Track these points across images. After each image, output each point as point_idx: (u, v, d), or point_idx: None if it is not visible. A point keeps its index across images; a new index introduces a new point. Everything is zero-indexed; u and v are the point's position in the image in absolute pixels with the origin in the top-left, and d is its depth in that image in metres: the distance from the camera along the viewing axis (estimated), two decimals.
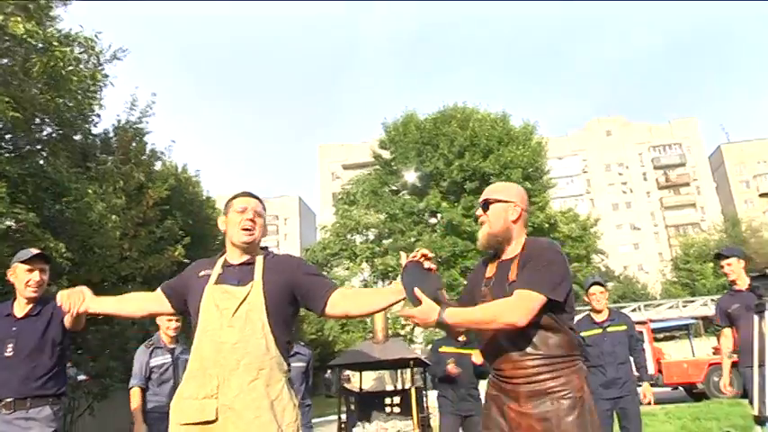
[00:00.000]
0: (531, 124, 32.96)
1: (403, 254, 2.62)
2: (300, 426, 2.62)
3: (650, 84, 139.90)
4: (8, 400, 3.43)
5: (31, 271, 3.65)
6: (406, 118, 33.44)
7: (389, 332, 23.30)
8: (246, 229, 2.72)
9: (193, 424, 2.45)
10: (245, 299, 2.58)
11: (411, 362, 4.18)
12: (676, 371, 17.28)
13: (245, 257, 2.74)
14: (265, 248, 2.91)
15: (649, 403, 6.02)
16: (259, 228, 2.76)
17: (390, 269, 32.42)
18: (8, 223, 11.79)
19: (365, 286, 33.58)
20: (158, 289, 2.96)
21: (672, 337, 25.18)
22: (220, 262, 2.77)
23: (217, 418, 2.44)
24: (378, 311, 2.78)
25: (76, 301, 2.89)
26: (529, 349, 2.54)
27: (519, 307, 2.45)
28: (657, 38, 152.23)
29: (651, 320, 21.75)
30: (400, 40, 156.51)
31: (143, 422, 4.97)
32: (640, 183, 70.76)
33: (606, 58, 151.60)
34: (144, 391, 5.13)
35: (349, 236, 33.30)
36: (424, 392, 4.46)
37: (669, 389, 18.12)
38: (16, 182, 12.21)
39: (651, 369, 18.26)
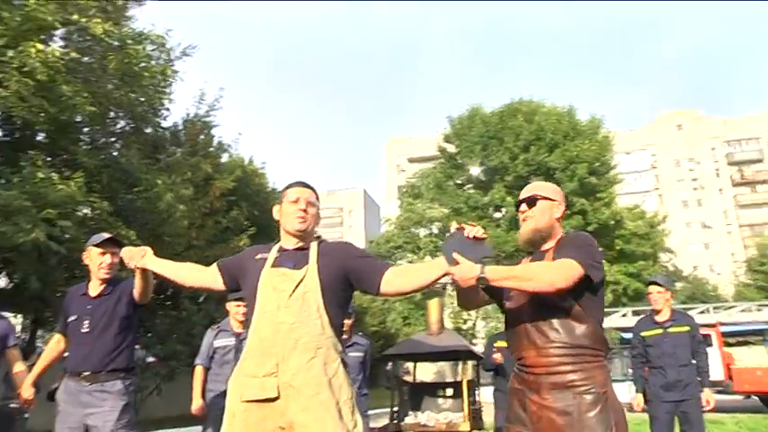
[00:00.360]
0: (599, 118, 32.36)
1: (454, 223, 2.67)
2: (356, 405, 2.70)
3: (726, 75, 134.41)
4: (86, 373, 3.70)
5: (103, 254, 3.88)
6: (471, 112, 33.32)
7: (452, 326, 23.15)
8: (299, 218, 2.83)
9: (255, 401, 2.58)
10: (301, 281, 2.68)
11: (463, 354, 4.27)
12: (749, 378, 16.46)
13: (300, 244, 2.85)
14: (318, 237, 3.02)
15: (712, 410, 5.83)
16: (311, 216, 2.87)
17: None
18: (85, 211, 12.47)
19: None
20: (214, 265, 3.06)
21: (745, 343, 24.26)
22: (276, 248, 2.89)
23: (278, 396, 2.56)
24: (430, 284, 2.77)
25: (138, 255, 3.10)
26: (553, 335, 2.55)
27: (560, 271, 2.47)
28: (734, 26, 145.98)
29: (721, 323, 20.91)
30: (469, 33, 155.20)
31: (201, 398, 5.26)
32: (713, 179, 67.61)
33: (679, 48, 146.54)
34: (206, 370, 5.42)
35: (413, 229, 33.38)
36: (476, 386, 4.54)
37: (741, 397, 17.26)
38: (92, 172, 12.86)
39: (721, 375, 17.61)
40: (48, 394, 4.23)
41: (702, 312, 25.63)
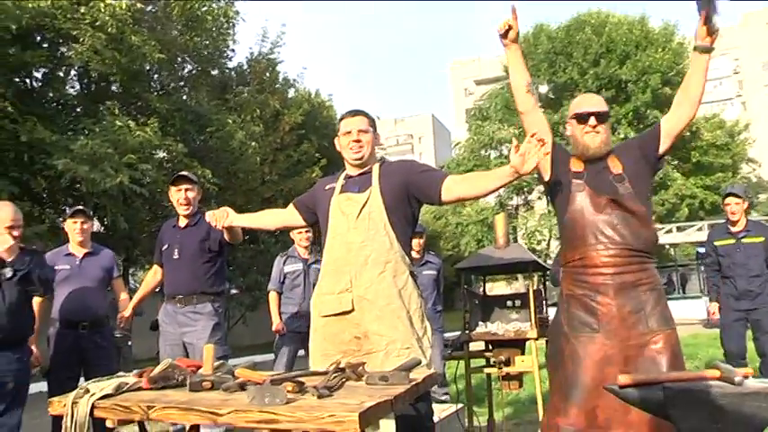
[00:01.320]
0: (672, 25, 30.78)
1: None
2: (425, 313, 2.90)
3: None
4: (180, 296, 4.12)
5: (179, 191, 4.24)
6: (536, 29, 32.30)
7: (526, 247, 23.07)
8: (355, 149, 2.98)
9: (334, 315, 2.83)
10: (365, 203, 2.86)
11: (529, 265, 4.41)
12: None
13: (363, 169, 3.01)
14: (382, 158, 3.20)
15: None
16: (367, 143, 3.00)
17: (525, 184, 32.09)
18: (162, 154, 13.04)
19: (500, 202, 33.61)
20: (291, 204, 3.33)
21: None
22: (342, 176, 3.07)
23: (353, 309, 2.79)
24: (490, 192, 2.94)
25: (221, 217, 3.28)
26: (623, 236, 2.63)
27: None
28: None
29: None
30: None
31: (279, 320, 5.68)
32: None
33: None
34: (279, 294, 5.82)
35: (483, 152, 32.97)
36: (543, 296, 4.67)
37: None
38: (165, 117, 13.36)
39: None
40: (151, 324, 4.67)
41: None
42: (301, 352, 5.74)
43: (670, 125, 2.84)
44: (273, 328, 5.69)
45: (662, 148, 2.81)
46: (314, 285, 5.66)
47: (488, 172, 2.94)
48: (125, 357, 9.75)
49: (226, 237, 3.91)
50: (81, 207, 4.76)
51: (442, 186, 2.87)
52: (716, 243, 5.74)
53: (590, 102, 2.87)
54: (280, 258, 5.94)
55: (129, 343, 10.11)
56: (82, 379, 4.24)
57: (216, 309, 4.15)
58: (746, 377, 1.93)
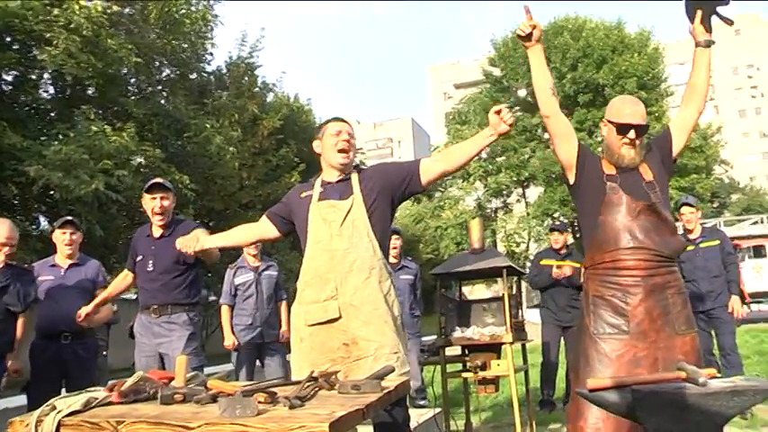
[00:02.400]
0: (648, 30, 31.16)
1: None
2: (403, 320, 2.94)
3: None
4: (154, 306, 4.07)
5: (153, 198, 4.15)
6: (514, 33, 32.49)
7: (504, 250, 23.11)
8: (343, 151, 2.99)
9: (320, 324, 2.83)
10: (349, 210, 2.88)
11: (504, 270, 4.42)
12: None
13: (342, 175, 3.01)
14: (357, 166, 3.20)
15: (740, 317, 6.05)
16: (354, 147, 3.06)
17: (504, 187, 32.25)
18: (139, 160, 12.92)
19: (479, 205, 33.72)
20: (263, 216, 3.28)
21: None
22: (318, 182, 3.06)
23: (340, 316, 2.80)
24: (472, 158, 2.99)
25: (191, 243, 3.27)
26: (655, 241, 2.69)
27: None
28: None
29: None
30: None
31: (232, 334, 5.57)
32: None
33: None
34: (231, 308, 5.69)
35: None
36: (518, 300, 4.70)
37: None
38: (142, 122, 13.25)
39: None
40: (129, 331, 4.61)
41: (755, 223, 25.08)
42: (258, 363, 5.71)
43: (682, 122, 2.97)
44: (225, 344, 5.58)
45: (675, 150, 2.93)
46: (266, 293, 5.65)
47: (466, 141, 2.98)
48: (100, 368, 9.65)
49: (203, 257, 3.90)
50: (70, 218, 4.70)
51: (419, 171, 2.93)
52: None
53: (632, 113, 2.83)
54: (230, 270, 5.79)
55: (105, 353, 10.01)
56: (63, 392, 4.21)
57: (191, 318, 4.11)
58: (711, 378, 1.98)
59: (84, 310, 4.23)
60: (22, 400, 4.56)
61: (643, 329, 2.63)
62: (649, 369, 2.54)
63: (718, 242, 5.96)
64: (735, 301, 5.82)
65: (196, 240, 3.25)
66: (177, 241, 3.31)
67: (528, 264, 32.29)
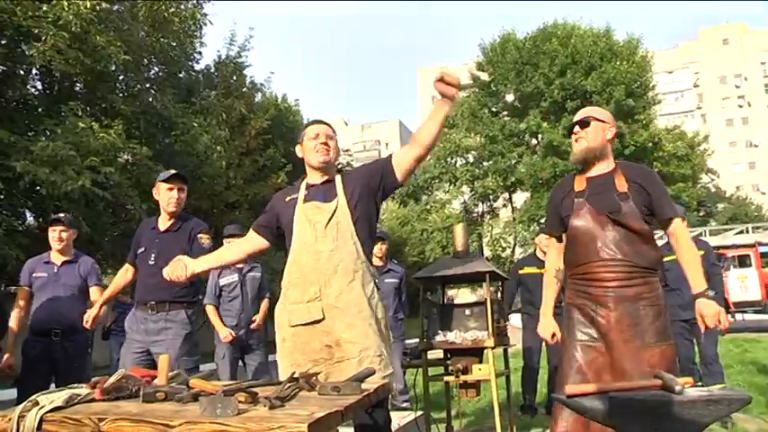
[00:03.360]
0: (636, 38, 31.37)
1: None
2: (387, 322, 2.92)
3: None
4: (152, 302, 3.94)
5: (170, 189, 4.06)
6: (503, 38, 32.61)
7: (490, 254, 23.10)
8: (322, 151, 3.00)
9: (303, 324, 2.82)
10: (334, 212, 2.88)
11: (487, 274, 4.44)
12: None
13: (325, 177, 3.03)
14: (340, 169, 3.19)
15: (724, 328, 6.09)
16: (332, 149, 3.04)
17: (490, 191, 32.35)
18: (126, 157, 12.88)
19: (465, 209, 33.78)
20: (250, 230, 3.27)
21: None
22: (303, 185, 3.07)
23: (324, 317, 2.79)
24: (437, 134, 2.90)
25: (179, 271, 3.16)
26: (624, 252, 2.76)
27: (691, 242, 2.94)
28: None
29: (760, 243, 20.67)
30: None
31: (224, 326, 5.51)
32: (761, 96, 64.14)
33: None
34: (216, 308, 5.63)
35: (449, 159, 33.25)
36: (500, 305, 4.71)
37: None
38: (130, 119, 13.22)
39: (758, 295, 17.71)
40: (102, 333, 4.58)
41: (741, 233, 25.22)
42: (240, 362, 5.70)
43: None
44: (222, 338, 5.51)
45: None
46: (251, 295, 5.61)
47: (425, 121, 2.92)
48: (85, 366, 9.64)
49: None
50: (60, 215, 4.67)
51: (392, 166, 2.94)
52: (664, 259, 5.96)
53: (578, 113, 3.06)
54: (214, 271, 5.65)
55: (90, 351, 9.97)
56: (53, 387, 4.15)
57: (189, 317, 4.01)
58: (686, 386, 2.02)
59: (90, 314, 4.19)
60: (12, 393, 4.53)
61: (611, 339, 2.70)
62: (616, 379, 2.60)
63: (702, 252, 5.98)
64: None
65: (184, 267, 3.16)
66: (164, 272, 3.20)
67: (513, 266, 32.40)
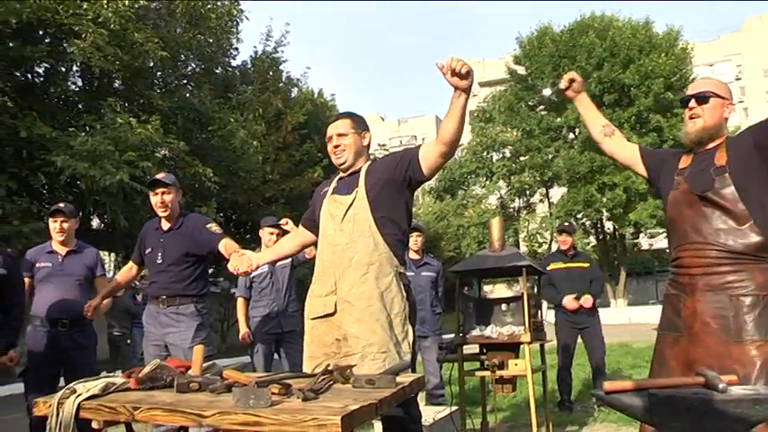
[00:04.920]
0: (676, 30, 30.65)
1: None
2: (407, 317, 2.86)
3: None
4: (163, 297, 4.10)
5: (155, 195, 4.16)
6: (540, 31, 32.20)
7: (527, 250, 22.90)
8: (335, 154, 3.01)
9: (319, 317, 2.86)
10: (351, 204, 2.87)
11: (524, 269, 4.39)
12: None
13: (352, 170, 3.01)
14: (372, 157, 3.17)
15: None
16: (348, 146, 2.99)
17: (527, 186, 32.06)
18: (163, 152, 13.06)
19: (501, 204, 33.53)
20: (300, 225, 3.35)
21: None
22: (336, 178, 3.10)
23: (336, 311, 2.81)
24: (459, 126, 2.78)
25: (245, 265, 3.21)
26: (713, 236, 2.46)
27: None
28: None
29: None
30: None
31: (246, 327, 5.50)
32: None
33: None
34: (247, 300, 5.61)
35: (485, 154, 32.98)
36: (537, 300, 4.66)
37: None
38: (167, 114, 13.40)
39: None
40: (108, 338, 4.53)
41: None
42: (276, 355, 5.70)
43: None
44: (240, 337, 5.55)
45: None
46: (282, 284, 5.62)
47: (445, 117, 2.82)
48: (123, 355, 9.78)
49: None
50: (61, 206, 4.60)
51: (419, 160, 2.88)
52: None
53: (694, 86, 2.72)
54: None
55: (129, 341, 10.14)
56: (61, 379, 4.22)
57: (199, 310, 4.13)
58: (731, 384, 1.93)
59: (91, 304, 4.24)
60: (9, 390, 4.51)
61: (695, 332, 2.46)
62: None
63: None
64: None
65: (249, 261, 3.23)
66: (230, 263, 3.30)
67: None
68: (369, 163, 3.04)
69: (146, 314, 4.25)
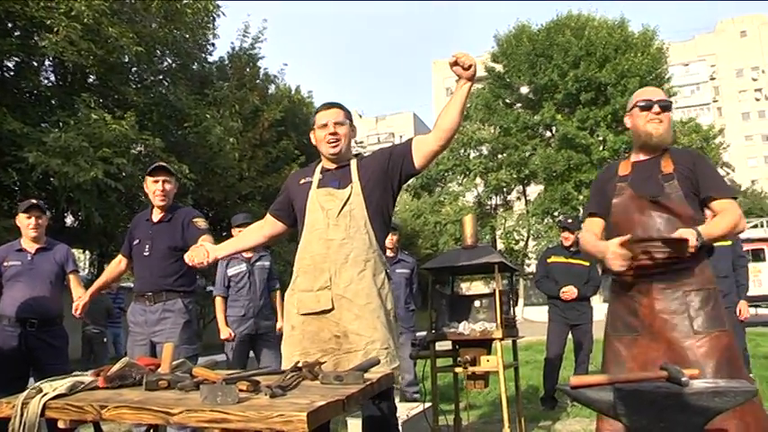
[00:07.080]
0: (652, 29, 31.08)
1: None
2: (396, 314, 2.88)
3: None
4: (149, 293, 3.98)
5: (155, 182, 4.07)
6: (518, 29, 32.43)
7: (503, 247, 23.01)
8: (331, 143, 2.92)
9: (312, 314, 2.79)
10: (347, 200, 2.83)
11: (496, 266, 4.41)
12: None
13: (341, 162, 2.97)
14: (357, 153, 3.12)
15: (745, 319, 5.98)
16: (343, 136, 2.94)
17: (504, 184, 32.23)
18: (138, 149, 12.95)
19: (478, 202, 33.67)
20: (267, 214, 3.22)
21: None
22: (318, 169, 3.02)
23: (333, 307, 2.76)
24: (459, 117, 2.80)
25: (201, 256, 3.12)
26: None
27: (741, 216, 2.63)
28: None
29: None
30: None
31: (226, 325, 5.53)
32: None
33: None
34: (225, 299, 5.62)
35: (462, 151, 33.09)
36: (510, 297, 4.68)
37: None
38: (143, 110, 13.27)
39: None
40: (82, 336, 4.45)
41: (755, 227, 25.01)
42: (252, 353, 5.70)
43: None
44: (222, 337, 5.52)
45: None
46: (259, 285, 5.59)
47: (445, 106, 2.83)
48: (96, 353, 9.70)
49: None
50: (35, 201, 4.50)
51: (411, 152, 2.87)
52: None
53: (653, 92, 2.86)
54: (222, 261, 5.63)
55: (105, 339, 10.06)
56: (31, 380, 4.13)
57: (186, 306, 4.02)
58: (692, 378, 1.99)
59: (80, 302, 4.17)
60: None
61: (656, 329, 2.57)
62: None
63: (729, 243, 5.79)
64: (743, 305, 5.80)
65: (206, 252, 3.13)
66: (186, 256, 3.17)
67: (527, 261, 32.32)
68: (358, 158, 3.01)
69: (130, 313, 4.12)
